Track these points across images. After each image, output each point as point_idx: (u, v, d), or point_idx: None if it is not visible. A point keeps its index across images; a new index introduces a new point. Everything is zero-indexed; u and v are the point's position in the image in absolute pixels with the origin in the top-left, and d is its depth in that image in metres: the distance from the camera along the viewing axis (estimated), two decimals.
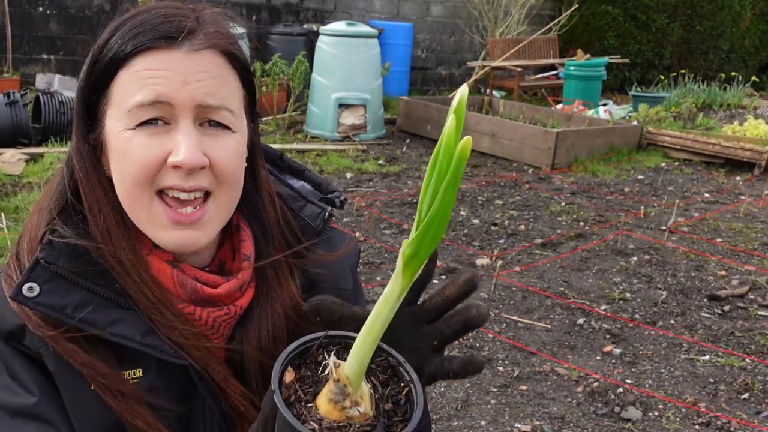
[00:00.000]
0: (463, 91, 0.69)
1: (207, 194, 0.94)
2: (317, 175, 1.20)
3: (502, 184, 6.85)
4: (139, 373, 0.96)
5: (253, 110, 1.03)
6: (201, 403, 0.99)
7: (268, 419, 0.74)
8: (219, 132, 0.93)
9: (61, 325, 0.91)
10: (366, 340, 0.72)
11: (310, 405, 0.71)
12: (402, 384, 0.77)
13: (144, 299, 0.94)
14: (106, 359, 0.93)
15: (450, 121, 0.68)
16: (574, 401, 3.27)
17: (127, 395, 0.93)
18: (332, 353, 0.76)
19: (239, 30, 1.03)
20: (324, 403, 0.71)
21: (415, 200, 6.12)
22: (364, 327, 0.72)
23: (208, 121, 0.93)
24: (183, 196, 0.92)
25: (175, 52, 0.90)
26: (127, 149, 0.91)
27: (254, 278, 1.04)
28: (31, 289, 0.90)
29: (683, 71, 12.39)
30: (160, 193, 0.92)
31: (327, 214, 1.12)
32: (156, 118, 0.90)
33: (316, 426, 0.69)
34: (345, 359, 0.73)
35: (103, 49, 0.92)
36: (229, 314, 0.99)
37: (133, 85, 0.90)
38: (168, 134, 0.91)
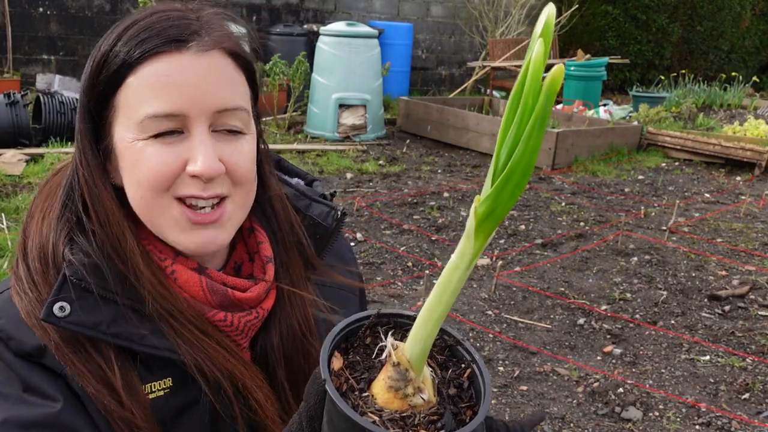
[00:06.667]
0: (550, 9, 0.56)
1: (223, 197, 0.93)
2: (293, 164, 1.20)
3: None
4: (169, 382, 0.94)
5: (256, 109, 1.02)
6: (230, 409, 0.97)
7: (314, 411, 0.67)
8: (232, 136, 0.93)
9: (94, 342, 0.89)
10: (431, 315, 0.62)
11: (365, 394, 0.63)
12: (463, 365, 0.69)
13: (160, 308, 0.91)
14: (132, 382, 0.90)
15: (538, 47, 0.54)
16: (575, 401, 3.27)
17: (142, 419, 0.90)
18: (389, 334, 0.67)
19: (242, 30, 1.03)
20: (382, 391, 0.62)
21: (415, 200, 6.12)
22: (428, 300, 0.62)
23: (222, 126, 0.91)
24: (201, 203, 0.91)
25: (183, 55, 0.89)
26: (140, 159, 0.89)
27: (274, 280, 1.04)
28: (62, 308, 0.87)
29: (683, 71, 12.40)
30: (178, 199, 0.91)
31: (339, 213, 1.11)
32: (170, 129, 0.88)
33: (377, 418, 0.61)
34: (398, 340, 0.65)
35: (107, 56, 0.90)
36: (258, 317, 0.99)
37: (144, 94, 0.88)
38: (183, 143, 0.89)
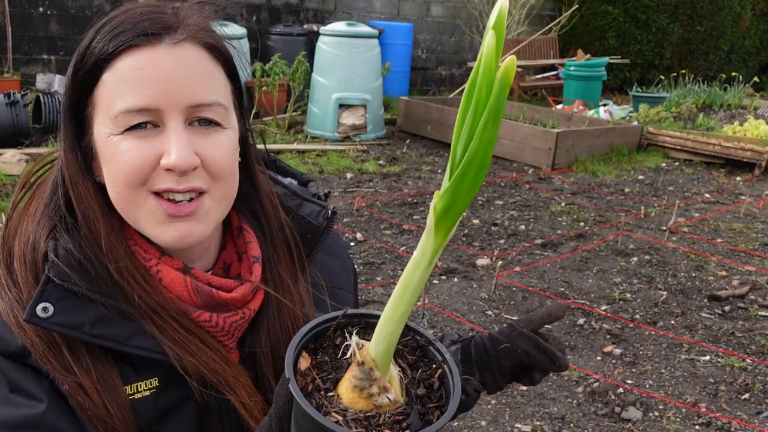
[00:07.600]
0: (502, 3, 0.56)
1: (201, 192, 0.92)
2: (289, 165, 1.19)
3: (503, 184, 6.85)
4: (155, 382, 0.93)
5: (240, 103, 1.01)
6: (218, 409, 0.97)
7: (282, 413, 0.68)
8: (209, 130, 0.91)
9: (69, 341, 0.88)
10: (394, 313, 0.62)
11: (331, 394, 0.63)
12: (434, 365, 0.69)
13: (144, 306, 0.91)
14: (113, 390, 0.90)
15: (489, 38, 0.54)
16: (575, 401, 3.27)
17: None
18: (353, 333, 0.67)
19: (225, 23, 1.01)
20: (347, 390, 0.62)
21: (415, 200, 6.12)
22: (391, 298, 0.62)
23: (198, 119, 0.90)
24: (178, 197, 0.90)
25: (156, 48, 0.88)
26: (116, 153, 0.88)
27: (262, 280, 1.02)
28: (45, 309, 0.86)
29: (683, 71, 12.39)
30: (154, 193, 0.90)
31: (329, 212, 1.10)
32: (144, 122, 0.88)
33: (340, 418, 0.61)
34: (368, 340, 0.64)
35: (85, 54, 0.90)
36: (244, 318, 0.98)
37: (119, 88, 0.87)
38: (158, 136, 0.88)
